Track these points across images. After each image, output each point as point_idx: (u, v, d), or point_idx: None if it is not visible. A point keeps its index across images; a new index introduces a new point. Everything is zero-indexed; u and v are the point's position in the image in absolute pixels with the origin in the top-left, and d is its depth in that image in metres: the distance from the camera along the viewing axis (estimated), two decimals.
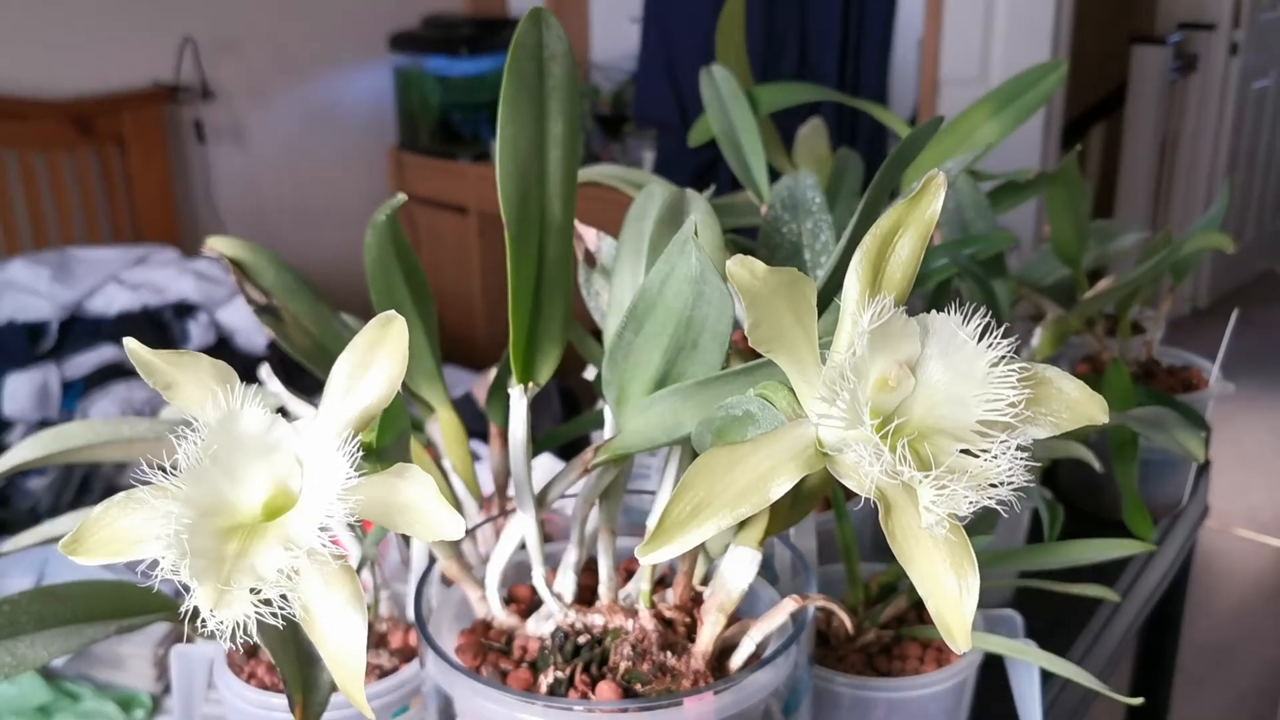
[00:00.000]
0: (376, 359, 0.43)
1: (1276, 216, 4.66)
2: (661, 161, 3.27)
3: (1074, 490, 1.20)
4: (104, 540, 0.41)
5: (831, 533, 0.86)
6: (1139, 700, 0.68)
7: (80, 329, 2.40)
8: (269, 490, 0.42)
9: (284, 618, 0.40)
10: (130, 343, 0.42)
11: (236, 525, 0.41)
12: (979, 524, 0.83)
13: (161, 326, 2.46)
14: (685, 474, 0.40)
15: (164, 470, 0.40)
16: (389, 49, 3.51)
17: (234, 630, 0.38)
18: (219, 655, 0.76)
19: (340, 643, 0.41)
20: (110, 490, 2.08)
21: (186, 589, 0.38)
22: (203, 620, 0.38)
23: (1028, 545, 0.94)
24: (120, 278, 2.53)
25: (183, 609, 0.38)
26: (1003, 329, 0.39)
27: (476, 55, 3.47)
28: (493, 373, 0.88)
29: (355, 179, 3.59)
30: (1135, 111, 4.01)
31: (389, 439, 0.48)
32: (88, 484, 2.06)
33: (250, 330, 2.54)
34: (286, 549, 0.39)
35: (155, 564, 0.39)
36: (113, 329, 2.40)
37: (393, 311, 0.43)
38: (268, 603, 0.39)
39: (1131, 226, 1.22)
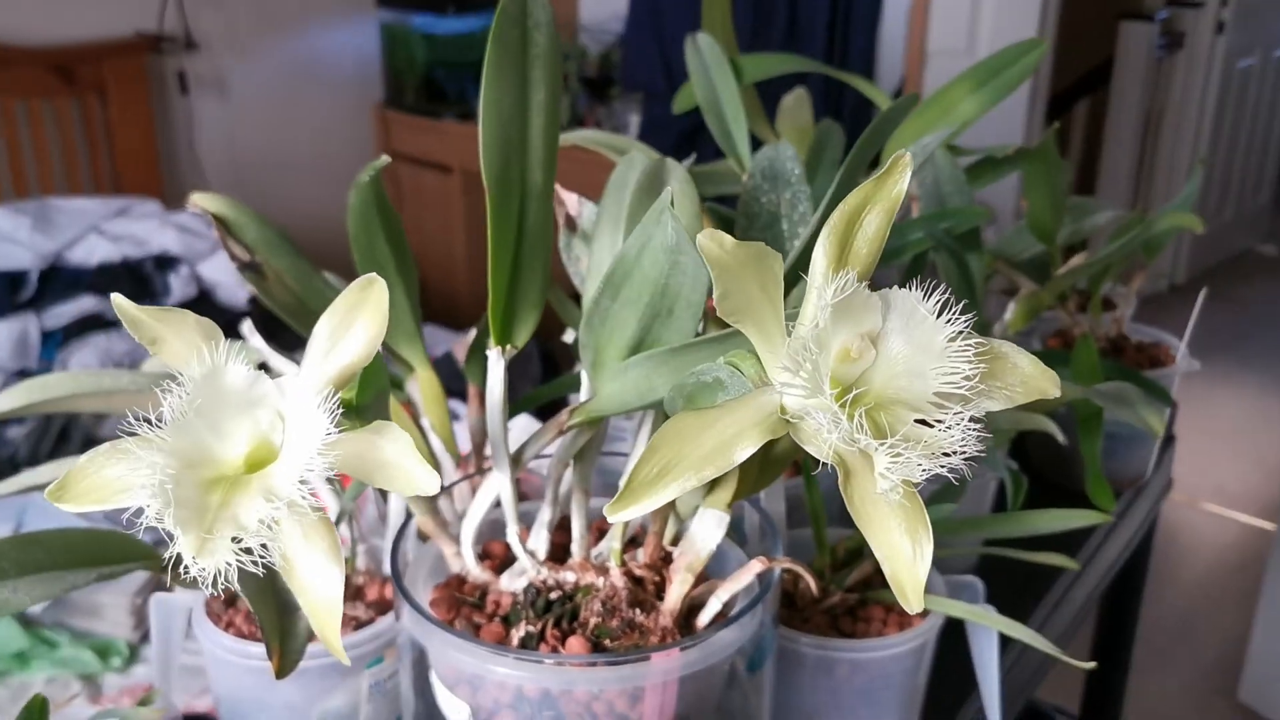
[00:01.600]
0: (357, 320, 0.44)
1: (1257, 195, 4.69)
2: (647, 126, 3.27)
3: (1043, 462, 1.22)
4: (89, 488, 0.43)
5: (800, 497, 0.88)
6: (1092, 665, 0.71)
7: (60, 279, 2.40)
8: (251, 443, 0.43)
9: (264, 567, 0.42)
10: (117, 298, 0.43)
11: (219, 477, 0.42)
12: (945, 493, 0.85)
13: (142, 279, 2.46)
14: (654, 437, 0.42)
15: (149, 422, 0.41)
16: (376, 4, 3.49)
17: (215, 578, 0.39)
18: (198, 604, 0.78)
19: (318, 592, 0.42)
20: (89, 440, 2.09)
21: (170, 537, 0.40)
22: (184, 568, 0.40)
23: (991, 514, 0.96)
24: (101, 229, 2.52)
25: (166, 556, 0.40)
26: (962, 305, 0.41)
27: (464, 13, 3.46)
28: (474, 333, 0.89)
29: (339, 135, 3.58)
30: (1121, 87, 4.02)
31: (368, 397, 0.49)
32: (66, 434, 2.06)
33: (232, 285, 2.54)
34: (268, 500, 0.41)
35: (139, 512, 0.40)
36: (93, 280, 2.40)
37: (374, 274, 0.44)
38: (248, 552, 0.40)
39: (1107, 204, 1.23)
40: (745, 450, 0.42)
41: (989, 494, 1.03)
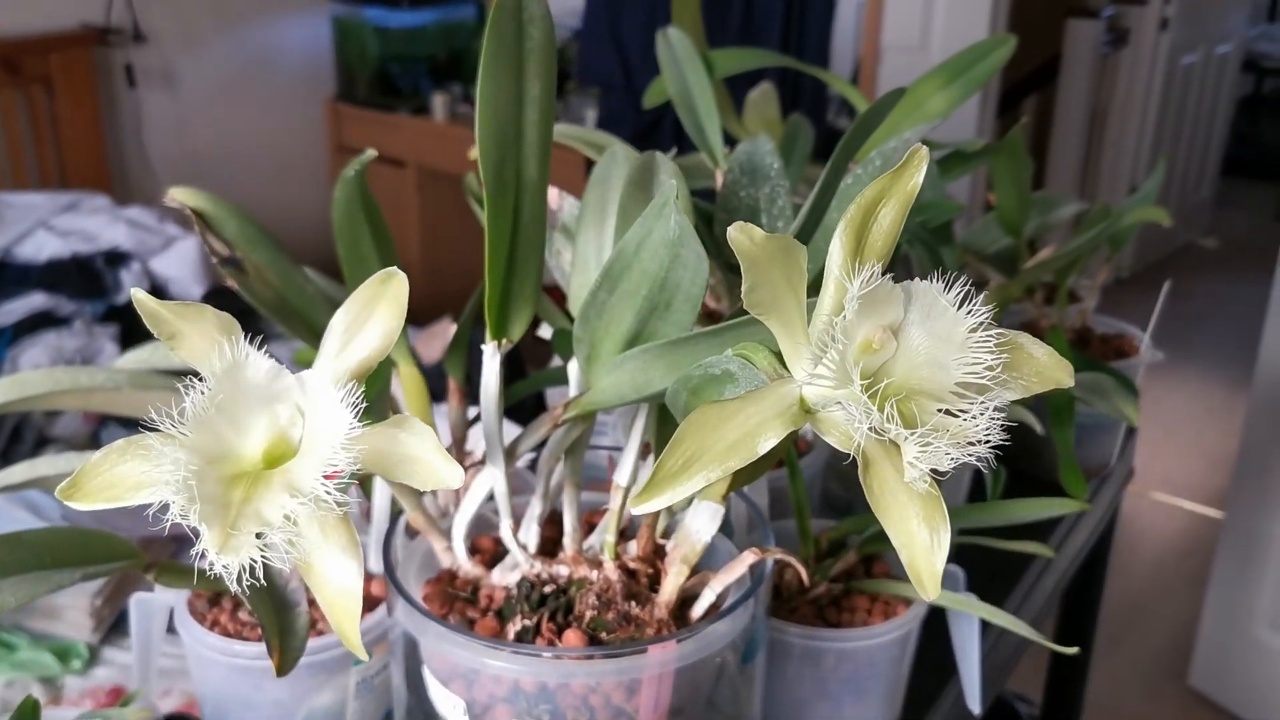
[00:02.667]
0: (375, 313, 0.44)
1: (1199, 189, 4.78)
2: (604, 120, 3.27)
3: (1012, 450, 1.23)
4: (102, 485, 0.42)
5: (781, 489, 0.89)
6: (1074, 650, 0.72)
7: (8, 276, 2.35)
8: (269, 439, 0.43)
9: (264, 565, 0.41)
10: (137, 292, 0.43)
11: (240, 473, 0.42)
12: None
13: (93, 274, 2.42)
14: (678, 430, 0.42)
15: (170, 419, 0.41)
16: None
17: (239, 574, 0.39)
18: (180, 603, 0.77)
19: (338, 586, 0.42)
20: (42, 440, 2.05)
21: (195, 534, 0.39)
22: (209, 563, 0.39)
23: (969, 504, 0.98)
24: (50, 224, 2.47)
25: (192, 552, 0.39)
26: (982, 296, 0.42)
27: (416, 7, 3.43)
28: (438, 326, 0.89)
29: (290, 129, 3.54)
30: (1068, 83, 4.08)
31: (372, 393, 0.49)
32: (19, 433, 2.02)
33: (185, 280, 2.51)
34: (292, 495, 0.40)
35: (164, 508, 0.40)
36: (42, 276, 2.35)
37: (394, 268, 0.44)
38: (268, 548, 0.40)
39: (1070, 198, 1.25)
40: (769, 441, 0.42)
41: (964, 484, 1.04)
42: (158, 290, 2.50)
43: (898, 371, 0.42)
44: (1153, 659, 2.48)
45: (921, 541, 0.42)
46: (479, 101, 0.59)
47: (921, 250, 0.96)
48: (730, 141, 1.09)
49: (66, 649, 1.46)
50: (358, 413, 0.42)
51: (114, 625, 1.33)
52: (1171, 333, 3.89)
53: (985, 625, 0.85)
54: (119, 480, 0.42)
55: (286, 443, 0.43)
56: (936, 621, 0.83)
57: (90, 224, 2.50)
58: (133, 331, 2.31)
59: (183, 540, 1.22)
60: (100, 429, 2.03)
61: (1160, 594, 2.70)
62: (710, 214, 0.92)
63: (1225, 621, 2.23)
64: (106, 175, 3.01)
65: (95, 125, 2.96)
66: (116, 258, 2.46)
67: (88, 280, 2.40)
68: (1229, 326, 4.07)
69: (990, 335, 0.42)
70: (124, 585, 1.34)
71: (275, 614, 0.57)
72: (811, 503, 0.94)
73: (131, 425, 1.06)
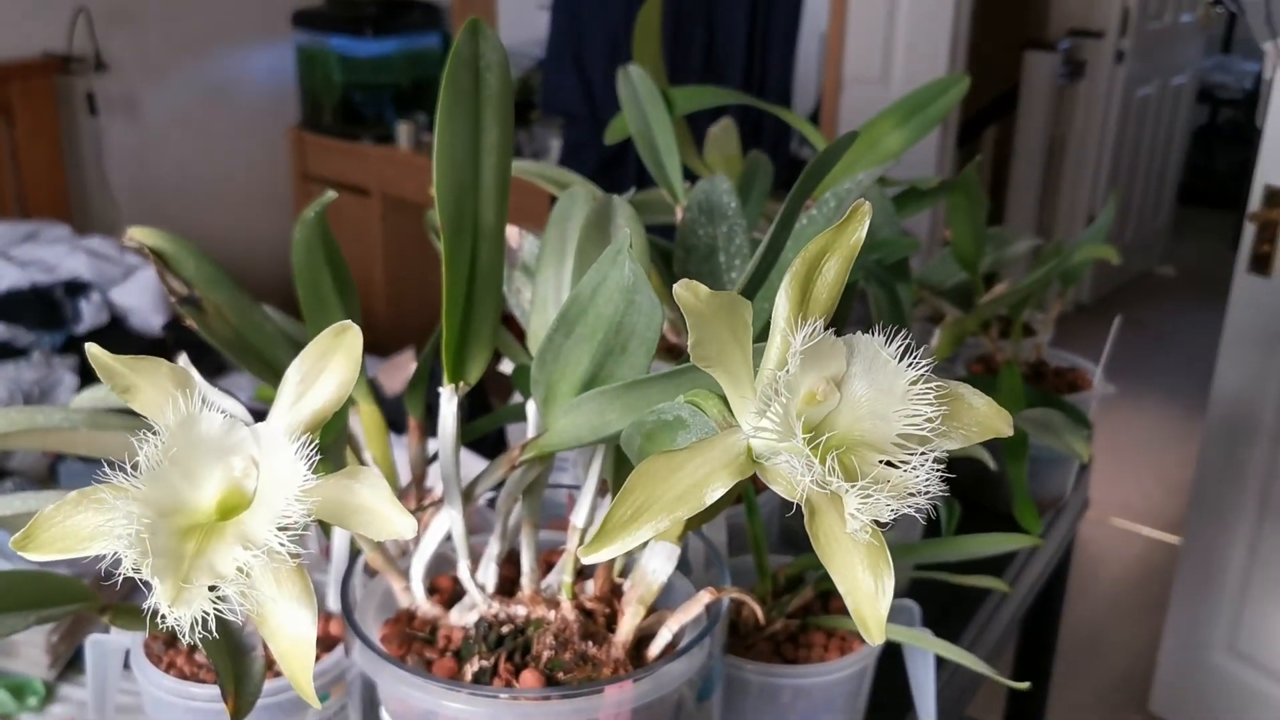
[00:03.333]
0: (329, 365, 0.44)
1: (1156, 218, 4.85)
2: (568, 150, 3.28)
3: (966, 484, 1.25)
4: (56, 536, 0.42)
5: (739, 525, 0.89)
6: (1025, 685, 0.73)
7: None
8: (222, 490, 0.43)
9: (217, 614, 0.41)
10: (92, 347, 0.43)
11: (193, 525, 0.42)
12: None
13: (52, 305, 2.40)
14: (627, 480, 0.43)
15: (124, 471, 0.41)
16: (292, 26, 3.46)
17: (191, 626, 0.39)
18: (136, 645, 0.76)
19: (292, 637, 0.43)
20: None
21: (146, 586, 0.40)
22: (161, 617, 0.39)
23: (925, 540, 0.99)
24: (8, 254, 2.45)
25: (145, 606, 0.39)
26: (922, 350, 0.43)
27: (381, 36, 3.44)
28: (402, 357, 0.89)
29: (254, 157, 3.53)
30: (1027, 114, 4.15)
31: (329, 439, 0.50)
32: None
33: (145, 310, 2.49)
34: (245, 547, 0.41)
35: (117, 563, 0.40)
36: (0, 307, 2.33)
37: (348, 321, 0.45)
38: (223, 600, 0.40)
39: (1024, 234, 1.28)
40: (716, 491, 0.43)
41: (919, 519, 1.05)
42: (118, 320, 2.48)
43: (841, 423, 0.43)
44: (1113, 685, 2.50)
45: (866, 588, 0.42)
46: (436, 149, 0.60)
47: (877, 287, 0.97)
48: (691, 177, 1.11)
49: (23, 686, 1.44)
50: (312, 464, 0.42)
51: (70, 662, 1.31)
52: (1130, 360, 3.94)
53: (941, 659, 0.86)
54: (72, 532, 0.42)
55: (240, 494, 0.43)
56: (893, 656, 0.84)
57: (50, 254, 2.48)
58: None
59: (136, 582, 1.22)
60: (58, 462, 2.01)
61: (1120, 620, 2.73)
62: (669, 252, 0.94)
63: (1184, 647, 2.25)
64: (66, 204, 2.98)
65: (55, 154, 2.95)
66: (76, 288, 2.44)
67: (47, 311, 2.38)
68: (1186, 353, 4.13)
69: (930, 387, 0.43)
70: (81, 622, 1.33)
71: (230, 659, 0.57)
72: (770, 537, 0.95)
73: (90, 460, 1.05)
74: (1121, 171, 4.40)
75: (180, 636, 0.39)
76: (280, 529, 0.41)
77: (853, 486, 0.41)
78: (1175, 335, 4.31)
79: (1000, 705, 1.74)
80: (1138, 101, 4.35)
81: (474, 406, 2.49)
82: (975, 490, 1.24)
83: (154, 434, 0.42)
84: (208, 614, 0.40)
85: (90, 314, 2.43)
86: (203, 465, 0.43)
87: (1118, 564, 2.95)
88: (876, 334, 0.43)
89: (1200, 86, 5.13)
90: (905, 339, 0.43)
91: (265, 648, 0.60)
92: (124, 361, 0.43)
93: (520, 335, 0.86)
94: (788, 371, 0.41)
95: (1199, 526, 2.17)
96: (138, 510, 0.40)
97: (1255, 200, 1.91)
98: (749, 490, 0.85)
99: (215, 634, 0.42)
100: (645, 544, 0.66)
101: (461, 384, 0.64)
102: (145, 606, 0.39)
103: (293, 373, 0.45)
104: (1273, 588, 2.06)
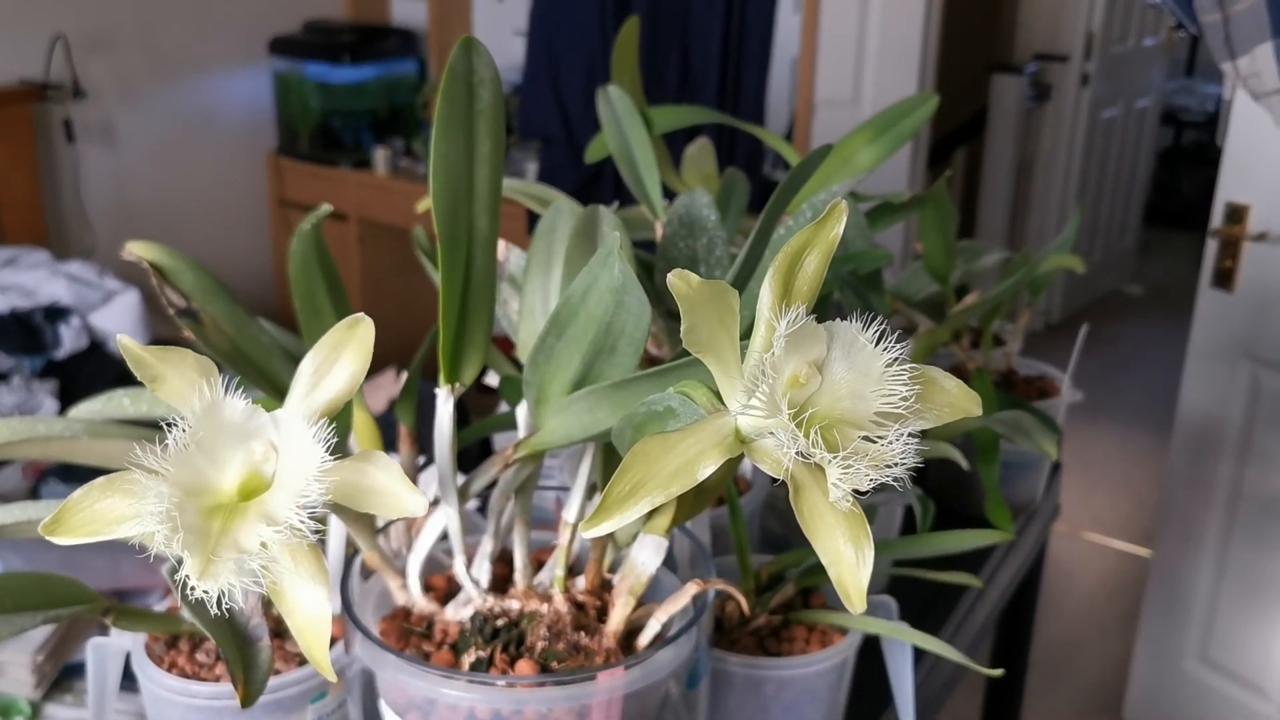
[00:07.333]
0: (342, 356, 0.47)
1: (1123, 237, 4.93)
2: (545, 173, 3.32)
3: (942, 488, 1.29)
4: (84, 520, 0.45)
5: (723, 526, 0.92)
6: (999, 672, 0.76)
7: None
8: (243, 474, 0.46)
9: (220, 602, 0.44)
10: (123, 338, 0.46)
11: (217, 505, 0.44)
12: None
13: (32, 329, 2.41)
14: (625, 459, 0.46)
15: (153, 455, 0.43)
16: (269, 53, 3.48)
17: (218, 599, 0.42)
18: (137, 646, 0.78)
19: (308, 611, 0.45)
20: None
21: (178, 562, 0.42)
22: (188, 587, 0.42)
23: (901, 537, 1.02)
24: None
25: (176, 577, 0.42)
26: (896, 335, 0.46)
27: (358, 62, 3.47)
28: (383, 377, 0.92)
29: (231, 183, 3.55)
30: (995, 136, 4.22)
31: (342, 429, 0.52)
32: None
33: (125, 333, 2.50)
34: (268, 524, 0.43)
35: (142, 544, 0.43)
36: None
37: (361, 314, 0.47)
38: (244, 573, 0.43)
39: (994, 247, 1.32)
40: (708, 468, 0.46)
41: (896, 519, 1.08)
42: (98, 345, 2.49)
43: (822, 402, 0.46)
44: (1087, 694, 2.54)
45: (848, 558, 0.45)
46: (432, 159, 0.63)
47: (851, 296, 1.01)
48: (669, 195, 1.14)
49: (8, 706, 1.45)
50: (329, 447, 0.45)
51: (56, 682, 1.32)
52: (1100, 377, 4.01)
53: (919, 654, 0.89)
54: (100, 515, 0.45)
55: (259, 477, 0.46)
56: (872, 651, 0.87)
57: (29, 279, 2.49)
58: (71, 387, 2.30)
59: (124, 593, 1.24)
60: (40, 483, 2.01)
61: (1094, 631, 2.77)
62: (651, 264, 0.97)
63: (1156, 656, 2.29)
64: (45, 231, 2.99)
65: (33, 180, 2.96)
66: (56, 313, 2.46)
67: (27, 335, 2.39)
68: (1154, 369, 4.20)
69: (904, 369, 0.46)
70: (67, 640, 1.34)
71: (239, 649, 0.60)
72: (751, 539, 0.97)
73: (72, 481, 1.07)
74: (1089, 192, 4.48)
75: (184, 626, 0.42)
76: (300, 508, 0.44)
77: (835, 457, 0.44)
78: (1143, 352, 4.38)
79: (975, 714, 1.76)
80: (1103, 123, 4.43)
81: (456, 422, 2.52)
82: (949, 494, 1.28)
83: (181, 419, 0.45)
84: (232, 586, 0.42)
85: (70, 338, 2.44)
86: (226, 449, 0.45)
87: (1091, 577, 3.00)
88: (853, 321, 0.47)
89: (1164, 109, 5.23)
90: (882, 325, 0.46)
91: (271, 639, 0.63)
92: (152, 352, 0.46)
93: (506, 350, 0.89)
94: (773, 353, 0.45)
95: (1169, 539, 2.21)
96: (167, 490, 0.42)
97: (1217, 217, 1.96)
98: (731, 492, 0.88)
99: (228, 616, 0.44)
100: (634, 538, 0.69)
101: (457, 385, 0.67)
102: (176, 578, 0.42)
103: (307, 363, 0.47)
104: (1242, 598, 2.11)
